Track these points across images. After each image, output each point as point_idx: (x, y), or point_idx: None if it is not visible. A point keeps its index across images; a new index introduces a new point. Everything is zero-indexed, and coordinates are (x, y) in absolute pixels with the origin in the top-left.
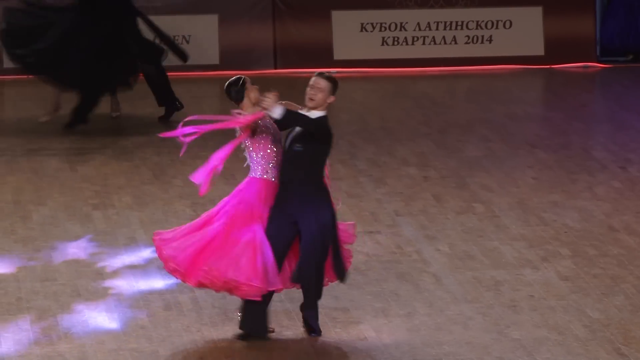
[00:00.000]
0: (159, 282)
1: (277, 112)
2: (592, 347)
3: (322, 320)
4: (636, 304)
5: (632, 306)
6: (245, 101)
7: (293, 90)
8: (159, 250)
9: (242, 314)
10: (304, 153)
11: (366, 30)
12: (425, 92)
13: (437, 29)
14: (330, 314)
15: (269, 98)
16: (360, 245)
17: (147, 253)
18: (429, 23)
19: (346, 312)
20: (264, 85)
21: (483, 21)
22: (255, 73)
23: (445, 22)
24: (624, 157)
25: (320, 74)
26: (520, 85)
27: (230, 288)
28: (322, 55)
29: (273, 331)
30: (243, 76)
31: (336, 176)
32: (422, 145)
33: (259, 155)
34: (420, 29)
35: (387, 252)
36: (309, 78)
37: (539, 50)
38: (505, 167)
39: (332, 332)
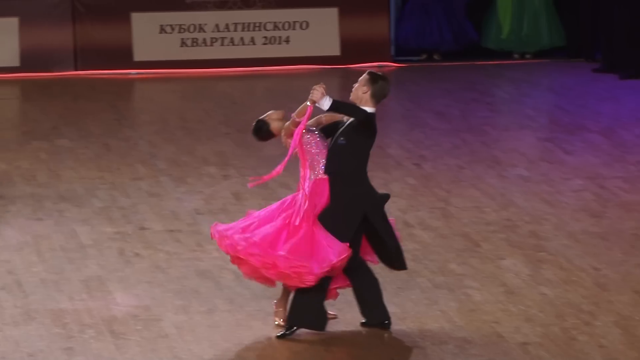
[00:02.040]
0: None
1: (325, 103)
2: (389, 341)
3: (124, 319)
4: (431, 297)
5: (427, 300)
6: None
7: (94, 92)
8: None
9: (293, 309)
10: (348, 146)
11: (165, 32)
12: (225, 92)
13: (235, 30)
14: (132, 312)
15: (317, 90)
16: (162, 244)
17: None
18: (227, 24)
19: (147, 310)
20: (65, 87)
21: (280, 22)
22: (56, 75)
23: (243, 24)
24: (418, 154)
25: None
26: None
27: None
28: (122, 56)
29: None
30: (259, 120)
31: (137, 176)
32: (222, 144)
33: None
34: (218, 30)
35: (188, 250)
36: (109, 79)
37: (335, 51)
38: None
39: (133, 330)
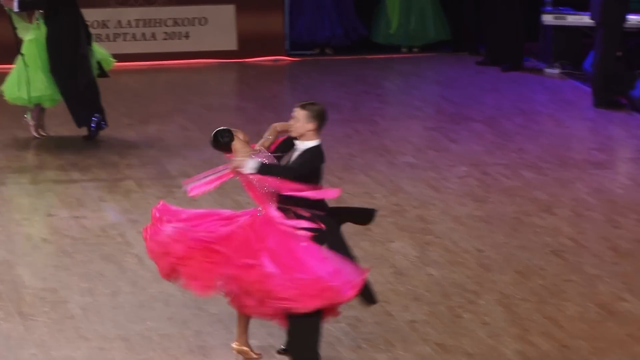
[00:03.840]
0: None
1: (249, 167)
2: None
3: (32, 301)
4: None
5: None
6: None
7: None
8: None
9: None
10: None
11: None
12: (128, 86)
13: (137, 26)
14: (40, 294)
15: (238, 158)
16: (67, 230)
17: None
18: (129, 21)
19: (54, 292)
20: None
21: (180, 18)
22: None
23: (145, 20)
24: None
25: (300, 104)
26: (216, 78)
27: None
28: None
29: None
30: (226, 129)
31: (43, 166)
32: (125, 134)
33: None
34: (121, 27)
35: (93, 235)
36: None
37: (233, 45)
38: (203, 154)
39: (41, 311)
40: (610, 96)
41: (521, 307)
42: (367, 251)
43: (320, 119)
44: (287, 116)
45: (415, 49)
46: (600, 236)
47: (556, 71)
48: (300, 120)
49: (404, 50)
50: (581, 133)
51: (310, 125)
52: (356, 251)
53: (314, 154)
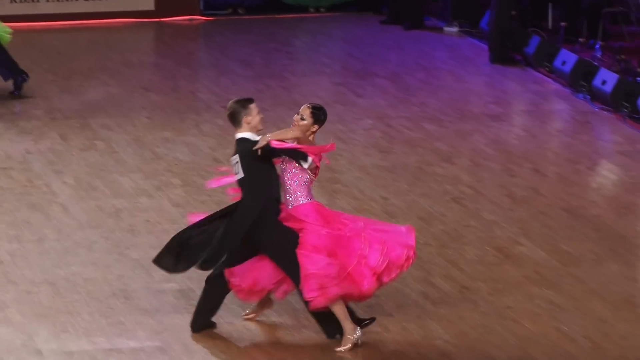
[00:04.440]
0: None
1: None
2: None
3: None
4: None
5: None
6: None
7: None
8: None
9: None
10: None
11: None
12: (51, 44)
13: None
14: None
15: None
16: None
17: None
18: None
19: None
20: None
21: None
22: None
23: None
24: (226, 98)
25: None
26: (134, 36)
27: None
28: None
29: None
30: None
31: None
32: (48, 91)
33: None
34: None
35: (19, 185)
36: None
37: (150, 5)
38: (123, 108)
39: None
40: (505, 53)
41: (424, 252)
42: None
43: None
44: (202, 73)
45: (322, 9)
46: (497, 184)
47: (455, 29)
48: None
49: (311, 10)
50: (479, 88)
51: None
52: None
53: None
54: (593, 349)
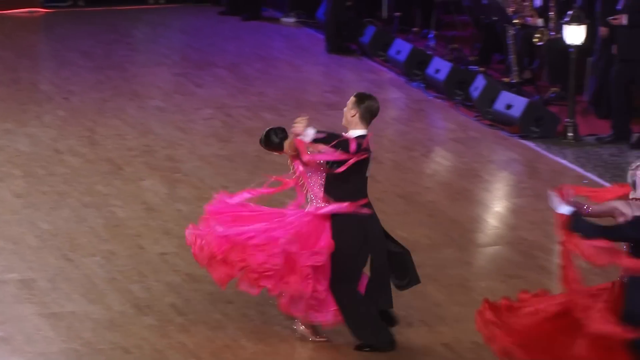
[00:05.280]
0: None
1: (309, 135)
2: (43, 254)
3: None
4: (80, 215)
5: (77, 217)
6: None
7: None
8: None
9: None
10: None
11: None
12: None
13: None
14: None
15: (299, 123)
16: None
17: None
18: None
19: None
20: None
21: None
22: None
23: None
24: (67, 89)
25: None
26: None
27: None
28: None
29: None
30: (275, 129)
31: None
32: None
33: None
34: None
35: None
36: None
37: None
38: None
39: None
40: (341, 42)
41: None
42: (120, 189)
43: (363, 107)
44: (43, 65)
45: (161, 1)
46: None
47: (292, 20)
48: (348, 107)
49: (151, 1)
50: (316, 77)
51: (353, 112)
52: (110, 189)
53: (346, 144)
54: (428, 332)
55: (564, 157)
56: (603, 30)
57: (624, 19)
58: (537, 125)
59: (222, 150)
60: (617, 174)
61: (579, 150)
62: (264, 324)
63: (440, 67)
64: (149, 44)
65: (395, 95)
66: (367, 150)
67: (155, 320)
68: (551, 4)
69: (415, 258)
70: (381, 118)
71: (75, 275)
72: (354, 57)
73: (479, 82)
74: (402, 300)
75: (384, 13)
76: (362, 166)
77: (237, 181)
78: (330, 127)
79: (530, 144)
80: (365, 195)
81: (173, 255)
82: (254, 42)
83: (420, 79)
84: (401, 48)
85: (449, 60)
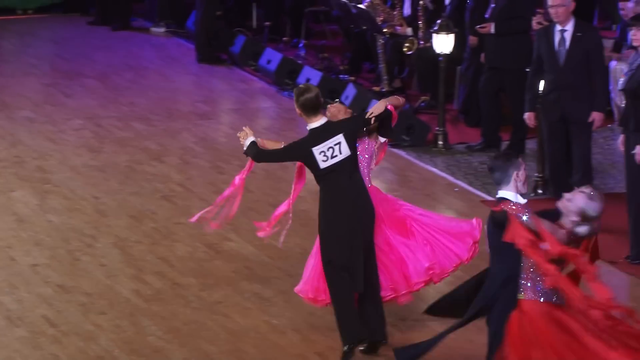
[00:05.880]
0: None
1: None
2: None
3: None
4: None
5: None
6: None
7: None
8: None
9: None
10: None
11: None
12: None
13: None
14: None
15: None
16: None
17: None
18: None
19: None
20: None
21: None
22: None
23: None
24: None
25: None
26: None
27: None
28: None
29: None
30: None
31: None
32: None
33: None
34: None
35: None
36: None
37: None
38: None
39: None
40: (211, 52)
41: (135, 249)
42: None
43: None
44: None
45: (30, 11)
46: (206, 181)
47: (162, 30)
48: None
49: (19, 12)
50: (187, 87)
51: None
52: None
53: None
54: (302, 341)
55: (435, 165)
56: (472, 39)
57: (491, 28)
58: (407, 134)
59: (92, 160)
60: (487, 181)
61: (450, 158)
62: (136, 335)
63: (310, 76)
64: (17, 54)
65: (266, 105)
66: None
67: (27, 332)
68: (420, 13)
69: (287, 267)
70: (252, 127)
71: None
72: (224, 66)
73: (350, 91)
74: (275, 310)
75: (254, 23)
76: None
77: (108, 191)
78: (202, 137)
79: (401, 152)
80: None
81: (44, 267)
82: (124, 52)
83: (290, 88)
84: (272, 57)
85: (320, 70)
